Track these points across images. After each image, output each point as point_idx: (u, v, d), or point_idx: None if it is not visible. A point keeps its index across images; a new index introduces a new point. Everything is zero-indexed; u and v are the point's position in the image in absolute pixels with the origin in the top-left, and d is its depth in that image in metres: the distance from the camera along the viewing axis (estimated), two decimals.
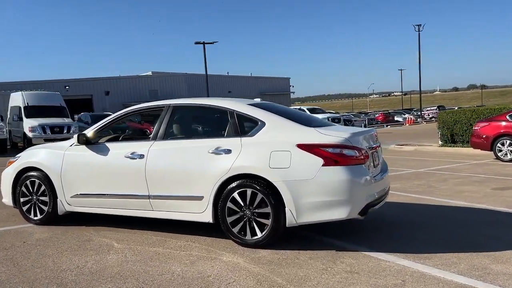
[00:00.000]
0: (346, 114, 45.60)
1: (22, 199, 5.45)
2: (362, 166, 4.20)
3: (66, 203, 5.15)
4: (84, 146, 5.08)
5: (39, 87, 32.92)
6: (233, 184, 4.28)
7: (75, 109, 38.38)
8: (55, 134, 17.90)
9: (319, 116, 28.03)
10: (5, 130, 17.33)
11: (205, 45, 31.40)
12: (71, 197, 5.11)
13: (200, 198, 4.44)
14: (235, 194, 4.27)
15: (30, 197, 5.39)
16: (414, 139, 20.79)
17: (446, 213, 5.61)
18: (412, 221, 5.24)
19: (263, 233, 4.19)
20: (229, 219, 4.32)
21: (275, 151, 4.18)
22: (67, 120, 18.92)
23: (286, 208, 4.09)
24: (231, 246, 4.32)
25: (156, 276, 3.55)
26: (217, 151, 4.39)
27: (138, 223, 5.16)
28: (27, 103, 19.18)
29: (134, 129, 12.65)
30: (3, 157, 14.53)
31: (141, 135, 9.99)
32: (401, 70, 73.78)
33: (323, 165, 4.02)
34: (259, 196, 4.17)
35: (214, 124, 4.77)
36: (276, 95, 54.24)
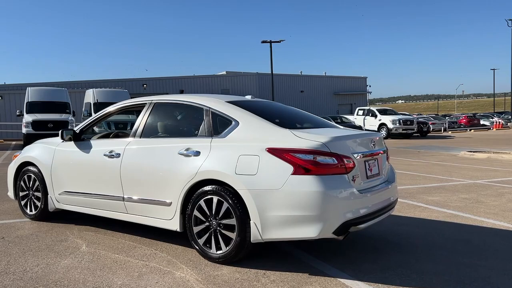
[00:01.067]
0: (425, 116, 42.69)
1: (21, 193, 5.47)
2: (343, 176, 3.53)
3: (55, 200, 5.05)
4: (72, 143, 4.94)
5: (120, 85, 34.82)
6: (200, 191, 3.84)
7: None
8: (119, 130, 18.65)
9: (388, 118, 26.48)
10: (74, 124, 18.33)
11: (272, 44, 31.13)
12: (59, 194, 4.99)
13: (168, 203, 4.05)
14: (202, 202, 3.83)
15: (27, 191, 5.39)
16: (494, 145, 18.73)
17: (477, 237, 4.67)
18: (426, 245, 4.40)
19: (227, 247, 3.70)
20: (196, 229, 3.89)
21: (243, 155, 3.66)
22: (131, 117, 19.59)
23: (251, 221, 3.56)
24: (196, 259, 3.88)
25: None
26: (187, 153, 3.98)
27: (128, 226, 4.91)
28: (97, 100, 20.20)
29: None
30: None
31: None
32: (493, 69, 67.66)
33: (292, 174, 3.43)
34: (225, 205, 3.69)
35: (190, 122, 4.35)
36: (351, 95, 52.46)
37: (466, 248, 4.25)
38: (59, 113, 18.90)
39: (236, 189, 3.62)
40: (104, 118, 5.00)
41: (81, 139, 4.96)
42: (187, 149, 3.98)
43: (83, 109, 21.36)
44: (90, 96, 20.56)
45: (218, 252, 3.75)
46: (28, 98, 19.37)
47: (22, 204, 5.45)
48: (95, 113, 19.41)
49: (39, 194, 5.23)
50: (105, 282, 3.34)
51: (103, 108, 18.52)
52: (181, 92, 38.86)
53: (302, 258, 3.93)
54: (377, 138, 4.22)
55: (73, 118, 18.94)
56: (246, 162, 3.62)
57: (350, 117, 29.35)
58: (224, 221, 3.71)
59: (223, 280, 3.39)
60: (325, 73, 53.72)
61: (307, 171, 3.41)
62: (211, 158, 3.82)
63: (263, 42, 31.63)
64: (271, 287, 3.27)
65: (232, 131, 3.89)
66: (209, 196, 3.77)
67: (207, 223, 3.82)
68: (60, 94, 20.36)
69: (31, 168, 5.31)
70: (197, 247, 3.89)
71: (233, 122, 3.93)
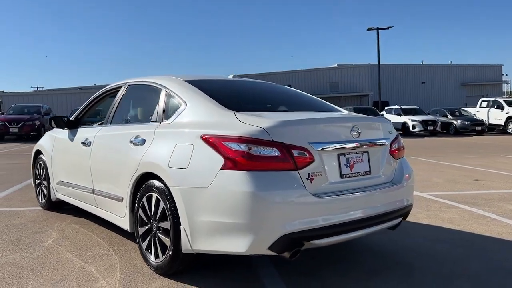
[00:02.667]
0: None
1: (36, 181, 5.48)
2: (290, 173, 2.63)
3: (55, 190, 4.92)
4: (67, 131, 4.73)
5: None
6: (143, 186, 3.26)
7: None
8: None
9: None
10: None
11: (379, 31, 28.80)
12: (57, 183, 4.84)
13: (121, 199, 3.56)
14: (144, 199, 3.25)
15: (40, 180, 5.38)
16: None
17: None
18: (447, 273, 3.22)
19: (163, 256, 3.05)
20: (140, 231, 3.33)
21: (180, 143, 2.98)
22: None
23: (181, 227, 2.86)
24: (140, 266, 3.32)
25: None
26: (135, 141, 3.43)
27: None
28: None
29: None
30: None
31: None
32: None
33: (221, 168, 2.65)
34: (161, 204, 3.05)
35: (149, 105, 3.73)
36: (482, 86, 46.73)
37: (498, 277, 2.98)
38: None
39: (167, 185, 2.95)
40: (93, 104, 4.69)
41: (77, 127, 4.69)
42: (136, 137, 3.43)
43: None
44: None
45: (156, 260, 3.13)
46: None
47: (36, 192, 5.46)
48: None
49: (45, 183, 5.16)
50: (17, 285, 2.96)
51: None
52: (288, 86, 38.54)
53: (261, 276, 3.10)
54: (368, 124, 3.16)
55: None
56: (180, 153, 2.93)
57: (471, 110, 25.90)
58: (161, 224, 3.07)
59: None
60: (450, 62, 48.74)
61: (238, 165, 2.60)
62: (152, 147, 3.22)
63: (369, 29, 29.51)
64: None
65: (179, 114, 3.22)
66: (149, 193, 3.17)
67: (149, 225, 3.23)
68: None
69: (41, 156, 5.27)
70: (140, 252, 3.33)
71: (182, 104, 3.26)
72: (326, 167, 2.78)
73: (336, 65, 43.49)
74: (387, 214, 3.07)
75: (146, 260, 3.24)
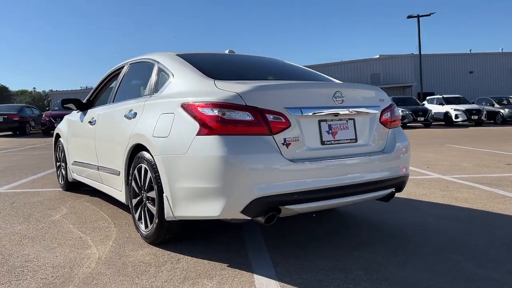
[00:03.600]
0: None
1: (56, 164, 5.73)
2: (264, 138, 2.60)
3: (71, 170, 5.12)
4: (80, 113, 4.91)
5: None
6: (135, 158, 3.33)
7: None
8: None
9: None
10: None
11: (420, 18, 27.68)
12: (72, 164, 5.04)
13: (118, 173, 3.65)
14: (136, 171, 3.32)
15: (59, 162, 5.61)
16: None
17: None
18: (444, 244, 3.07)
19: (151, 225, 3.11)
20: (133, 202, 3.41)
21: (163, 113, 3.02)
22: None
23: (164, 194, 2.90)
24: (133, 236, 3.40)
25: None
26: (128, 115, 3.52)
27: None
28: None
29: None
30: None
31: None
32: None
33: (197, 134, 2.66)
34: (149, 174, 3.11)
35: (144, 80, 3.76)
36: None
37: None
38: None
39: (152, 154, 3.00)
40: (103, 86, 4.82)
41: (87, 108, 4.84)
42: (129, 111, 3.52)
43: None
44: None
45: (145, 229, 3.20)
46: None
47: (57, 174, 5.71)
48: None
49: (63, 164, 5.39)
50: (12, 252, 3.11)
51: None
52: None
53: (249, 247, 3.10)
54: (354, 91, 3.06)
55: None
56: (162, 122, 2.97)
57: None
58: (149, 194, 3.13)
59: (124, 263, 2.83)
60: (502, 49, 46.24)
61: (211, 131, 2.60)
62: (141, 119, 3.28)
63: (409, 17, 28.47)
64: (164, 276, 2.59)
65: (167, 86, 3.26)
66: (140, 164, 3.24)
67: (140, 196, 3.30)
68: None
69: (60, 139, 5.50)
70: (134, 223, 3.41)
71: (169, 76, 3.30)
72: (304, 132, 2.73)
73: (378, 56, 42.39)
74: (374, 183, 2.96)
75: (138, 230, 3.32)
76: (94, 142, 4.16)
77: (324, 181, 2.71)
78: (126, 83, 4.12)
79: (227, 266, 2.73)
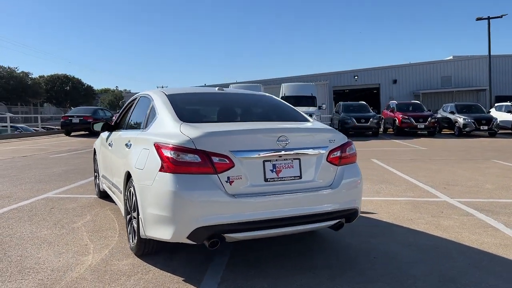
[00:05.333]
0: None
1: (94, 174, 6.65)
2: (209, 176, 3.13)
3: (101, 182, 5.97)
4: (107, 133, 5.72)
5: (328, 79, 35.81)
6: (128, 181, 4.01)
7: (365, 98, 39.65)
8: None
9: None
10: (314, 116, 19.78)
11: (490, 20, 26.04)
12: (101, 176, 5.88)
13: (120, 191, 4.36)
14: (127, 192, 4.00)
15: (96, 173, 6.52)
16: None
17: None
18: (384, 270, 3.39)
19: (135, 240, 3.76)
20: (127, 218, 4.09)
21: (144, 148, 3.65)
22: (310, 109, 20.07)
23: (140, 216, 3.54)
24: (127, 247, 4.07)
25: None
26: (127, 144, 4.20)
27: None
28: (284, 93, 21.53)
29: None
30: None
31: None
32: None
33: (159, 171, 3.26)
34: (133, 197, 3.76)
35: (142, 114, 4.42)
36: None
37: None
38: (306, 106, 20.16)
39: (133, 182, 3.65)
40: (125, 111, 5.58)
41: (113, 130, 5.64)
42: (128, 141, 4.19)
43: None
44: (281, 90, 22.04)
45: (132, 243, 3.86)
46: (283, 92, 21.61)
47: (95, 183, 6.62)
48: None
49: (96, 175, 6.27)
50: (29, 254, 3.91)
51: (288, 101, 19.36)
52: (394, 82, 37.03)
53: (213, 263, 3.64)
54: (300, 134, 3.47)
55: (313, 110, 20.03)
56: (142, 156, 3.60)
57: None
58: (134, 214, 3.78)
59: (105, 270, 3.49)
60: None
61: (168, 168, 3.18)
62: (132, 150, 3.94)
63: (478, 19, 26.97)
64: (129, 285, 3.22)
65: (153, 123, 3.89)
66: (130, 188, 3.90)
67: (130, 214, 3.97)
68: (309, 88, 21.84)
69: (96, 153, 6.39)
70: (127, 235, 4.08)
71: (156, 115, 3.92)
72: (248, 171, 3.21)
73: (451, 57, 40.47)
74: (317, 215, 3.37)
75: (129, 242, 3.99)
76: (111, 162, 4.92)
77: (264, 213, 3.18)
78: (134, 114, 4.83)
79: (182, 280, 3.29)
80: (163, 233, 3.22)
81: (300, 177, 3.39)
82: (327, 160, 3.52)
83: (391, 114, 22.16)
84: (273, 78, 35.88)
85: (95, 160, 6.50)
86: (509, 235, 4.35)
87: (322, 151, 3.49)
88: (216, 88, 4.64)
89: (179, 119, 3.61)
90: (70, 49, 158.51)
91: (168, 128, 3.55)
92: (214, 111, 4.16)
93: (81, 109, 24.12)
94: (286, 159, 3.36)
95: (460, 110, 21.22)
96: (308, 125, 3.85)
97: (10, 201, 6.09)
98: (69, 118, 21.71)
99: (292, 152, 3.35)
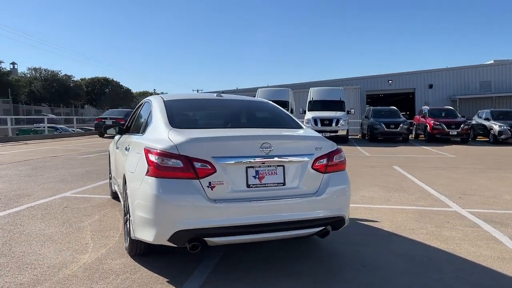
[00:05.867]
0: None
1: (109, 175, 6.89)
2: (191, 181, 3.22)
3: (113, 183, 6.19)
4: (118, 136, 5.94)
5: (361, 83, 35.33)
6: (125, 184, 4.17)
7: (400, 103, 38.81)
8: (324, 126, 19.26)
9: None
10: (341, 121, 19.73)
11: None
12: (112, 178, 6.10)
13: (121, 193, 4.53)
14: (124, 194, 4.15)
15: (110, 174, 6.76)
16: None
17: None
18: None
19: (128, 242, 3.91)
20: (125, 219, 4.24)
21: (137, 152, 3.79)
22: (338, 114, 19.86)
23: (130, 217, 3.68)
24: (123, 247, 4.23)
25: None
26: (127, 148, 4.36)
27: None
28: (312, 98, 21.42)
29: None
30: None
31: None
32: None
33: (146, 174, 3.38)
34: (127, 200, 3.91)
35: (143, 119, 4.58)
36: None
37: None
38: (334, 111, 19.87)
39: (126, 184, 3.80)
40: (133, 116, 5.77)
41: (124, 133, 5.84)
42: (128, 145, 4.36)
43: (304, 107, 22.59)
44: (309, 94, 21.95)
45: (126, 243, 4.00)
46: (311, 97, 21.37)
47: (109, 183, 6.87)
48: (308, 110, 20.65)
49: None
50: (32, 251, 4.13)
51: (316, 106, 19.41)
52: (430, 87, 36.07)
53: (202, 265, 3.73)
54: (284, 141, 3.51)
55: (341, 115, 19.83)
56: (134, 160, 3.74)
57: None
58: (128, 215, 3.93)
59: (97, 269, 3.63)
60: None
61: (153, 173, 3.30)
62: (129, 154, 4.10)
63: None
64: (115, 283, 3.35)
65: (148, 129, 4.03)
66: (125, 190, 4.05)
67: (126, 215, 4.12)
68: (337, 93, 21.41)
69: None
70: (124, 236, 4.23)
71: (153, 121, 4.06)
72: (229, 177, 3.28)
73: (492, 62, 39.00)
74: (300, 222, 3.39)
75: (125, 242, 4.14)
76: (117, 164, 5.12)
77: (245, 218, 3.24)
78: (137, 118, 5.00)
79: (167, 281, 3.39)
80: (147, 235, 3.34)
81: (284, 183, 3.43)
82: (312, 168, 3.54)
83: (423, 120, 21.63)
84: (301, 82, 35.77)
85: (109, 161, 6.74)
86: (510, 248, 4.21)
87: (307, 159, 3.51)
88: (215, 94, 4.74)
89: (170, 124, 3.73)
90: (110, 53, 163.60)
91: (159, 133, 3.67)
92: (206, 117, 4.27)
93: (115, 111, 24.96)
94: (270, 166, 3.41)
95: (496, 116, 20.46)
96: (298, 132, 3.88)
97: (30, 200, 6.41)
98: (103, 120, 22.51)
99: (275, 159, 3.39)
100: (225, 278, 3.44)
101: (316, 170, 3.56)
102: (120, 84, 77.67)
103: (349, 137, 21.42)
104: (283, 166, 3.45)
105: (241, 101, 4.75)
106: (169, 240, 3.21)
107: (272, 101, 16.46)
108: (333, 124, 19.28)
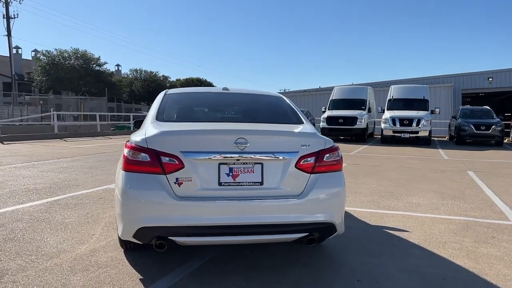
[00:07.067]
0: None
1: None
2: (157, 177, 3.06)
3: None
4: None
5: (452, 80, 32.64)
6: None
7: (504, 103, 35.22)
8: (404, 126, 18.04)
9: None
10: (363, 120, 19.05)
11: None
12: None
13: None
14: None
15: None
16: None
17: None
18: None
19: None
20: None
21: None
22: (420, 113, 18.45)
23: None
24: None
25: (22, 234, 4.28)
26: None
27: None
28: (392, 96, 20.18)
29: None
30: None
31: None
32: None
33: (121, 169, 3.30)
34: None
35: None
36: None
37: None
38: (416, 110, 18.77)
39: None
40: None
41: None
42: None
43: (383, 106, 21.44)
44: (389, 93, 20.75)
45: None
46: (391, 95, 20.30)
47: None
48: (387, 109, 19.53)
49: None
50: (39, 238, 4.29)
51: (396, 104, 18.67)
52: None
53: (184, 266, 3.58)
54: (263, 137, 3.18)
55: (365, 114, 19.49)
56: (121, 157, 3.69)
57: None
58: None
59: (84, 260, 3.63)
60: None
61: (124, 167, 3.20)
62: None
63: None
64: (92, 276, 3.33)
65: (143, 123, 3.96)
66: None
67: None
68: (421, 91, 20.02)
69: None
70: None
71: (147, 115, 3.98)
72: (199, 174, 3.06)
73: None
74: (279, 226, 3.07)
75: None
76: None
77: (214, 219, 3.01)
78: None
79: (140, 278, 3.28)
80: (118, 230, 3.26)
81: (261, 183, 3.13)
82: (296, 167, 3.19)
83: None
84: (384, 80, 33.89)
85: None
86: None
87: (289, 157, 3.17)
88: (221, 88, 4.53)
89: (155, 118, 3.62)
90: (199, 54, 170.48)
91: (143, 127, 3.58)
92: (199, 111, 4.07)
93: None
94: (246, 163, 3.13)
95: None
96: (286, 127, 3.53)
97: (75, 190, 6.77)
98: None
99: (251, 156, 3.11)
100: (194, 281, 3.24)
101: (300, 169, 3.20)
102: (213, 84, 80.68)
103: (432, 138, 19.90)
104: (261, 164, 3.15)
105: (245, 95, 4.48)
106: (133, 236, 3.09)
107: (348, 99, 16.15)
108: (413, 125, 17.97)
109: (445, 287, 3.19)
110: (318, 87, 36.47)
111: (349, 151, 14.59)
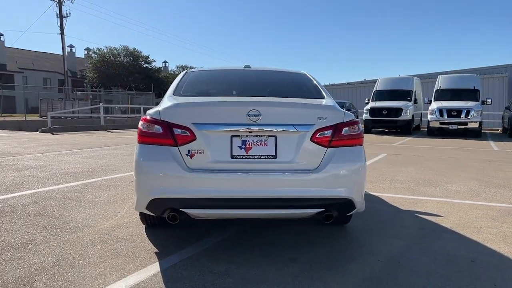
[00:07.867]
0: None
1: None
2: (169, 148, 3.04)
3: None
4: None
5: (507, 71, 30.80)
6: None
7: None
8: (452, 117, 17.23)
9: None
10: (408, 111, 18.37)
11: None
12: None
13: None
14: None
15: None
16: None
17: None
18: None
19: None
20: None
21: None
22: (469, 104, 17.51)
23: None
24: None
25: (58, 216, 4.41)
26: None
27: None
28: (440, 86, 19.31)
29: None
30: (409, 137, 15.99)
31: None
32: None
33: (138, 142, 3.31)
34: None
35: None
36: None
37: None
38: (465, 101, 17.70)
39: None
40: None
41: None
42: None
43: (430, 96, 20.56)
44: (437, 83, 19.89)
45: None
46: (438, 85, 19.32)
47: None
48: (434, 100, 18.74)
49: None
50: (68, 214, 4.42)
51: (444, 95, 17.76)
52: None
53: (192, 246, 3.56)
54: (276, 109, 3.07)
55: (410, 105, 18.78)
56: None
57: None
58: None
59: (104, 236, 3.68)
60: None
61: (139, 139, 3.21)
62: None
63: None
64: (99, 250, 3.37)
65: (163, 99, 3.96)
66: None
67: None
68: (471, 80, 18.97)
69: None
70: None
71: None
72: (211, 146, 3.01)
73: None
74: (292, 200, 2.97)
75: None
76: None
77: (227, 191, 2.95)
78: None
79: (154, 251, 3.28)
80: (134, 202, 3.27)
81: (275, 156, 3.03)
82: (311, 140, 3.06)
83: None
84: (433, 72, 32.49)
85: None
86: None
87: (304, 130, 3.05)
88: (243, 66, 4.45)
89: (172, 93, 3.60)
90: (241, 50, 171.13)
91: (161, 102, 3.57)
92: (219, 87, 3.99)
93: None
94: (259, 136, 3.04)
95: None
96: (303, 100, 3.40)
97: (110, 173, 6.95)
98: None
99: (265, 129, 3.01)
100: (213, 255, 3.19)
101: (316, 143, 3.07)
102: None
103: (483, 131, 18.89)
104: (275, 136, 3.05)
105: (266, 71, 4.37)
106: (146, 208, 3.09)
107: (392, 90, 15.60)
108: (462, 115, 17.09)
109: (472, 270, 2.96)
110: (364, 80, 35.61)
111: (391, 142, 14.12)
